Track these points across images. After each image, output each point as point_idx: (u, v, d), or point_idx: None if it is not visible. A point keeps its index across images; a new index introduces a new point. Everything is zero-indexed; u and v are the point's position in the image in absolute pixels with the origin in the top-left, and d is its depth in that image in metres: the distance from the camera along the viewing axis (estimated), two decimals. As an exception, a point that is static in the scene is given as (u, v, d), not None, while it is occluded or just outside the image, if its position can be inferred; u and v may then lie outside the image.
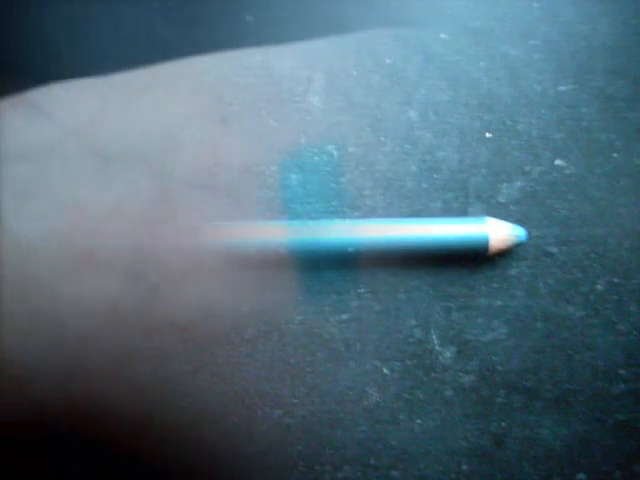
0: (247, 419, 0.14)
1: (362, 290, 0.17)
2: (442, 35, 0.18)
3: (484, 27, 0.18)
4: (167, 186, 0.14)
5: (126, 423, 0.14)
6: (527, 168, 0.17)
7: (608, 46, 0.18)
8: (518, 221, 0.17)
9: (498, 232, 0.16)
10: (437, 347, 0.17)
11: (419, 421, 0.17)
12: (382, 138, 0.17)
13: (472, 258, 0.17)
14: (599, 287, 0.17)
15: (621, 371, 0.17)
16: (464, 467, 0.17)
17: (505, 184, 0.17)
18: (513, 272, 0.17)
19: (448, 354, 0.17)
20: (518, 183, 0.17)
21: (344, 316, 0.16)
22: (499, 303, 0.17)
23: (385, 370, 0.17)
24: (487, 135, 0.17)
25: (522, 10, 0.18)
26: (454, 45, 0.18)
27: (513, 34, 0.18)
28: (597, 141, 0.17)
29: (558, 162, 0.17)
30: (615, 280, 0.17)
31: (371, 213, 0.17)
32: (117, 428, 0.14)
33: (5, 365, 0.13)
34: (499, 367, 0.17)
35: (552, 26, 0.18)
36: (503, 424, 0.17)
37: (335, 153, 0.16)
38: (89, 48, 0.29)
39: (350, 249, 0.15)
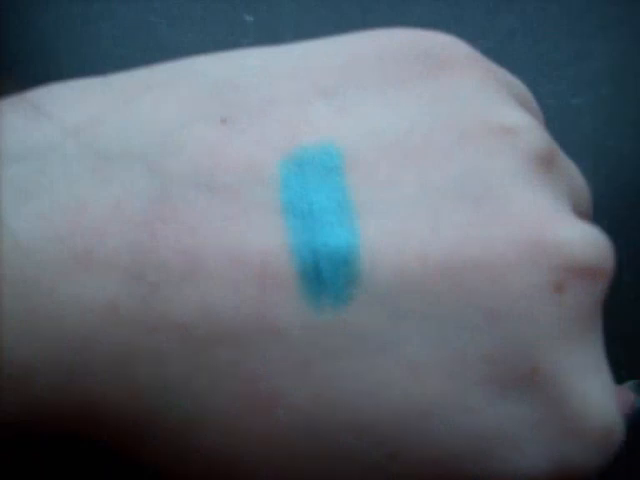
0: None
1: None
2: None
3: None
4: (167, 186, 0.14)
5: (126, 423, 0.14)
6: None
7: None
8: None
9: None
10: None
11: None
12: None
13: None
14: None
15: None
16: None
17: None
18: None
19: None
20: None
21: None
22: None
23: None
24: None
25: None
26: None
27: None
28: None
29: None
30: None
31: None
32: (117, 428, 0.14)
33: (5, 365, 0.13)
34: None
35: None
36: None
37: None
38: (89, 48, 0.29)
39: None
